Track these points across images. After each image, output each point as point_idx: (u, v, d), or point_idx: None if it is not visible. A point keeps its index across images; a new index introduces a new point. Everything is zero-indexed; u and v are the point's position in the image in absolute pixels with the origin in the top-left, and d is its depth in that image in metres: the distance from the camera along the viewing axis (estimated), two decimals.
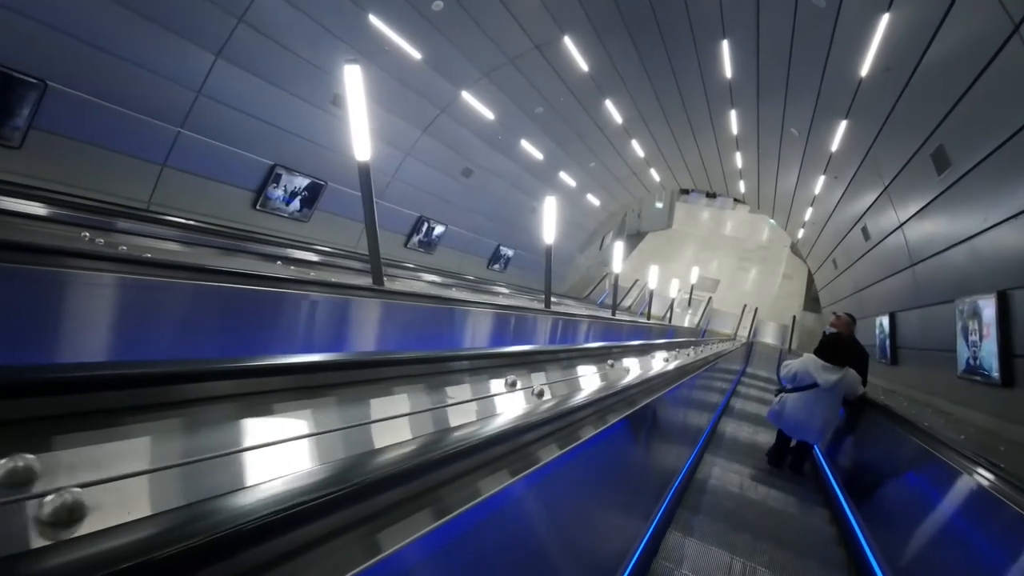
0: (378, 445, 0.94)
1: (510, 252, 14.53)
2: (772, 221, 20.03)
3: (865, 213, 7.92)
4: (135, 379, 0.85)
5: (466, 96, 9.24)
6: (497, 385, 1.78)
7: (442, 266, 11.84)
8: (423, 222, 10.92)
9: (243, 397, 1.02)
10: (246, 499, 0.60)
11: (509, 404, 1.58)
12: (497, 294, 11.47)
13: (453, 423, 1.26)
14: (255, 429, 0.95)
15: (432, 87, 8.70)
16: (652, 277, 12.41)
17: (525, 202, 13.59)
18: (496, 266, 14.43)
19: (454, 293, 7.00)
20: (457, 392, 1.66)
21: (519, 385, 1.71)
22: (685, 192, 31.76)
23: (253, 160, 7.30)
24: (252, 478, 0.75)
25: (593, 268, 21.20)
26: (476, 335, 4.96)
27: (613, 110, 11.27)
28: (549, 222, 6.51)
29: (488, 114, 9.91)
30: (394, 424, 1.19)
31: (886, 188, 6.54)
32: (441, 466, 0.86)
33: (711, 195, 32.28)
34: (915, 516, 2.93)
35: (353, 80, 3.44)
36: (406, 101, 8.61)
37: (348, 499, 0.67)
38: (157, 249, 4.63)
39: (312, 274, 3.88)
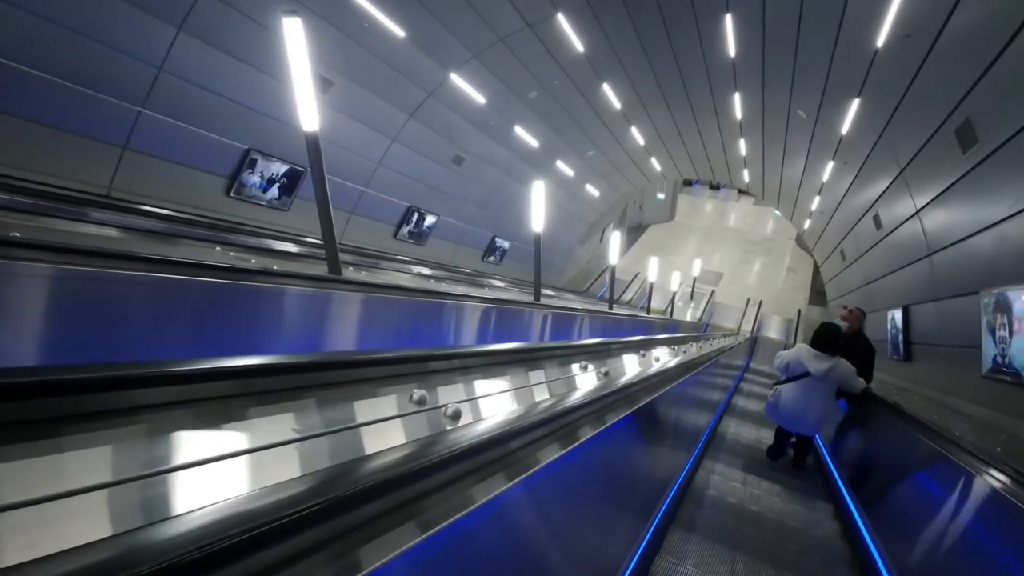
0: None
1: (506, 244, 14.09)
2: (777, 212, 19.52)
3: (877, 200, 7.44)
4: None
5: (455, 79, 8.78)
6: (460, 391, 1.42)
7: (434, 258, 11.42)
8: (413, 212, 10.49)
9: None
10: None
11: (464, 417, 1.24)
12: (489, 287, 11.05)
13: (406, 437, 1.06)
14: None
15: (418, 68, 8.24)
16: (652, 269, 11.97)
17: (521, 192, 13.10)
18: (492, 258, 13.99)
19: (440, 286, 6.57)
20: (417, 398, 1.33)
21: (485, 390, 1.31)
22: (688, 183, 31.27)
23: (225, 144, 6.87)
24: None
25: (593, 262, 20.75)
26: (453, 331, 4.54)
27: (611, 94, 10.78)
28: (538, 209, 6.06)
29: (479, 98, 9.45)
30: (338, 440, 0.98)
31: (902, 171, 6.07)
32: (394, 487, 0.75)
33: (714, 186, 31.81)
34: (935, 530, 2.64)
35: (294, 35, 2.98)
36: (391, 83, 8.15)
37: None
38: (102, 238, 4.21)
39: (253, 261, 3.45)
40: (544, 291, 13.34)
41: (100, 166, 5.84)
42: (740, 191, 30.09)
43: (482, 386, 1.84)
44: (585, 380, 2.73)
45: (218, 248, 3.92)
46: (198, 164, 6.72)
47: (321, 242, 3.49)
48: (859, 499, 3.63)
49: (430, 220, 11.03)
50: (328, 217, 3.34)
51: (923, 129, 5.14)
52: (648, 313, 12.15)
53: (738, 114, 10.41)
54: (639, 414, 2.27)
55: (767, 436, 5.98)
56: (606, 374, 2.28)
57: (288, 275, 3.11)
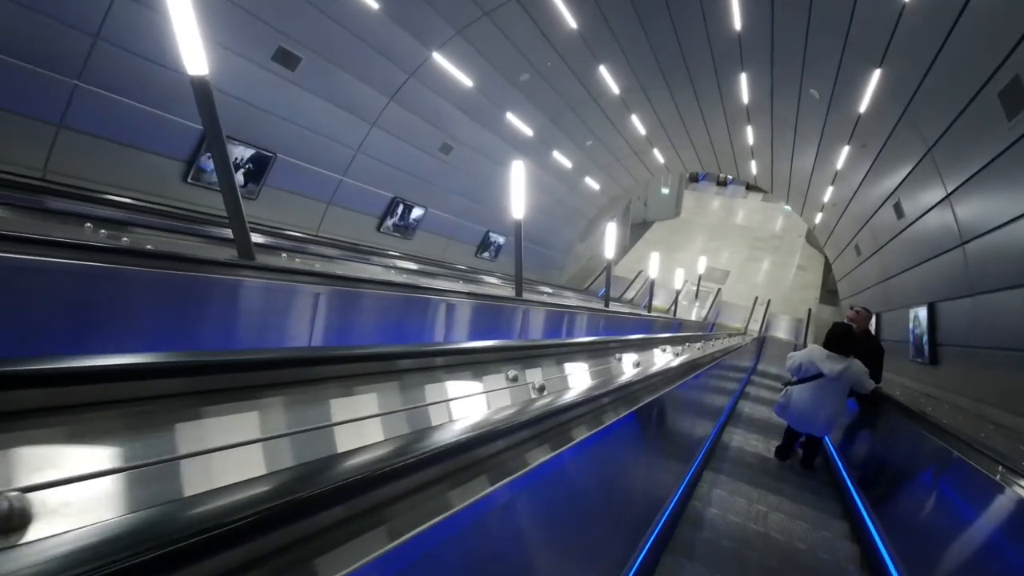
0: None
1: (501, 239, 13.46)
2: (787, 207, 18.77)
3: (899, 186, 6.74)
4: None
5: (438, 58, 8.15)
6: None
7: (423, 253, 10.79)
8: (397, 203, 9.88)
9: None
10: None
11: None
12: (480, 283, 10.42)
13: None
14: None
15: (396, 45, 7.62)
16: (653, 265, 11.30)
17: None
18: (486, 254, 13.37)
19: (401, 277, 5.96)
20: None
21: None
22: (694, 179, 30.52)
23: (180, 124, 6.28)
24: None
25: (595, 259, 20.07)
26: (409, 329, 3.92)
27: (608, 78, 10.11)
28: (517, 192, 5.44)
29: (465, 80, 8.82)
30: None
31: (930, 150, 5.38)
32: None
33: (721, 182, 31.06)
34: (951, 535, 2.51)
35: None
36: (367, 61, 7.54)
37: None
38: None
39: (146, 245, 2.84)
40: (543, 288, 12.77)
41: (31, 146, 5.27)
42: (748, 186, 29.38)
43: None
44: (564, 383, 2.24)
45: (89, 224, 3.31)
46: (149, 146, 6.14)
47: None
48: (868, 499, 3.57)
49: (417, 213, 10.42)
50: (232, 188, 2.72)
51: (958, 96, 4.46)
52: (649, 311, 11.49)
53: (745, 97, 9.71)
54: (628, 423, 2.02)
55: (779, 470, 5.32)
56: (594, 376, 1.78)
57: (178, 258, 2.51)
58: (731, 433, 5.87)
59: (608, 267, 8.56)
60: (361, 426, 1.14)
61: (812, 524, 3.48)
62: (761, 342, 13.51)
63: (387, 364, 1.44)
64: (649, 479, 3.02)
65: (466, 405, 1.52)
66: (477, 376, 1.67)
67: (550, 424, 1.43)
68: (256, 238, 6.55)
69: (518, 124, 10.69)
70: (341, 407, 1.17)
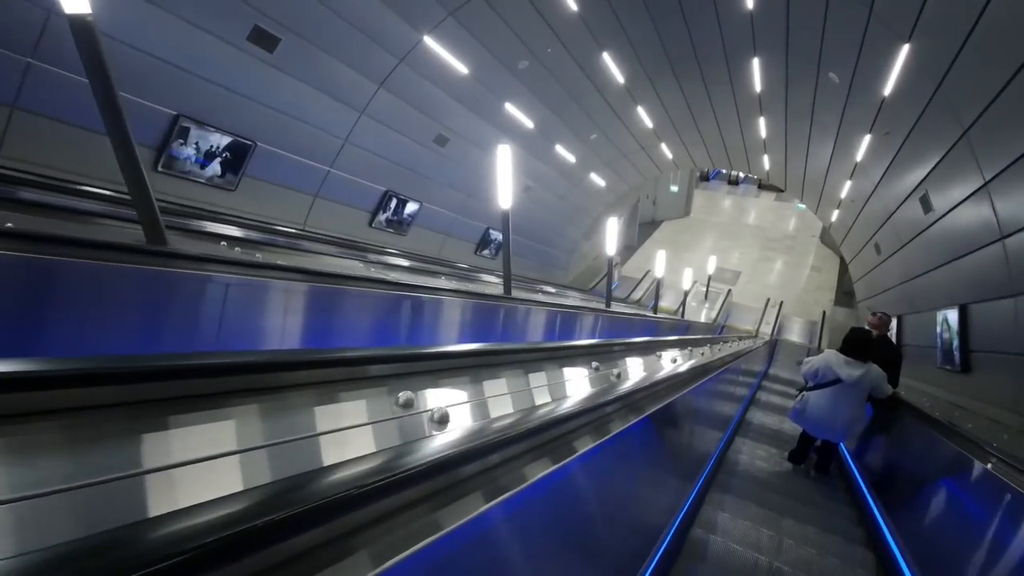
0: None
1: (501, 236, 12.97)
2: (801, 205, 18.14)
3: (927, 177, 6.17)
4: None
5: (430, 42, 7.70)
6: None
7: (418, 250, 10.34)
8: (390, 197, 9.44)
9: None
10: None
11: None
12: (478, 282, 9.95)
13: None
14: None
15: (384, 27, 7.17)
16: (660, 264, 10.79)
17: (516, 179, 11.98)
18: (486, 252, 12.91)
19: (401, 276, 5.49)
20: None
21: None
22: (704, 178, 29.89)
23: (148, 108, 5.87)
24: None
25: (600, 258, 19.54)
26: (370, 330, 3.45)
27: (612, 66, 9.60)
28: (504, 179, 4.97)
29: (460, 67, 8.36)
30: None
31: (965, 133, 4.82)
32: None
33: (733, 181, 30.39)
34: (968, 544, 2.41)
35: None
36: (352, 43, 7.10)
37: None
38: None
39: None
40: (545, 288, 12.25)
41: None
42: (760, 185, 28.73)
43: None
44: (545, 393, 1.94)
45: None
46: None
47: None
48: (884, 505, 3.51)
49: (412, 207, 9.98)
50: (132, 156, 2.26)
51: (1001, 67, 3.91)
52: (656, 312, 10.96)
53: (757, 85, 9.15)
54: (622, 439, 1.76)
55: (792, 475, 4.82)
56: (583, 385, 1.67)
57: (58, 241, 2.06)
58: (740, 445, 5.35)
59: (610, 264, 8.06)
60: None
61: (833, 556, 2.96)
62: (773, 345, 12.93)
63: (311, 374, 1.00)
64: (644, 503, 2.55)
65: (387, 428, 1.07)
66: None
67: (516, 450, 0.99)
68: (231, 230, 6.06)
69: (518, 115, 10.21)
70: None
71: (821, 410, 4.25)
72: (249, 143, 6.86)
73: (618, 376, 2.14)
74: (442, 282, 5.93)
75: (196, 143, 6.38)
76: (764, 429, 6.30)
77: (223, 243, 4.21)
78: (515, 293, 7.53)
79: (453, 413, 1.00)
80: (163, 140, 6.12)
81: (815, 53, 7.09)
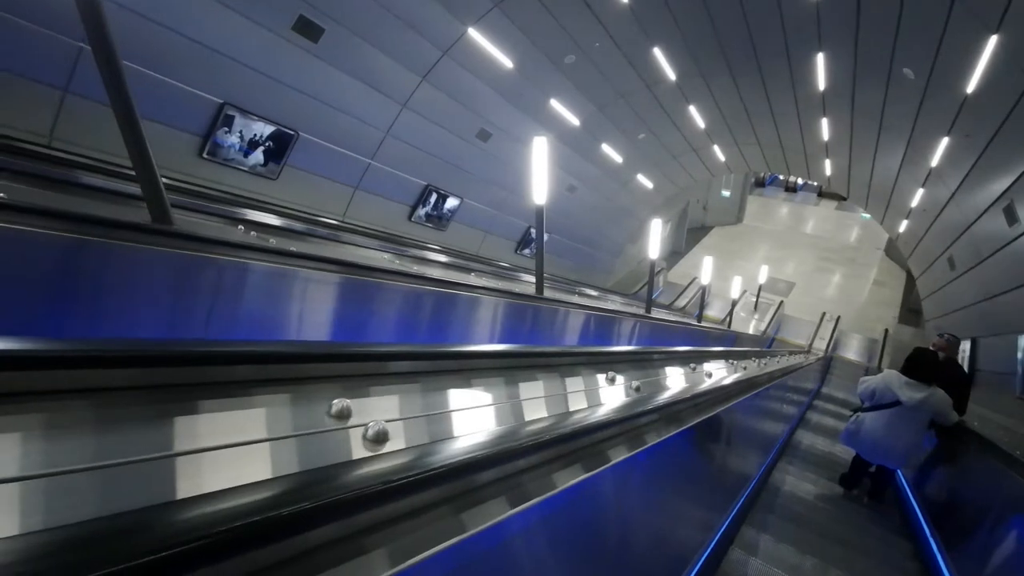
0: None
1: (544, 236, 12.72)
2: (865, 215, 17.05)
3: (1013, 184, 5.54)
4: None
5: (475, 35, 7.56)
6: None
7: (457, 246, 10.24)
8: (430, 192, 9.38)
9: None
10: None
11: None
12: (514, 280, 9.75)
13: None
14: None
15: (428, 18, 7.08)
16: (706, 271, 10.29)
17: (559, 178, 11.73)
18: (527, 251, 12.70)
19: (427, 270, 5.36)
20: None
21: None
22: (760, 184, 28.67)
23: (194, 95, 5.98)
24: None
25: (646, 262, 19.00)
26: (391, 325, 3.29)
27: (664, 62, 9.20)
28: (540, 173, 4.74)
29: (505, 61, 8.19)
30: None
31: None
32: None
33: (790, 188, 29.02)
34: None
35: None
36: (397, 35, 7.04)
37: None
38: None
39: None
40: (587, 291, 11.94)
41: (37, 112, 5.06)
42: (820, 193, 27.31)
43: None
44: (571, 400, 1.79)
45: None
46: (161, 117, 5.85)
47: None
48: (943, 539, 3.30)
49: (452, 203, 9.90)
50: (136, 131, 2.17)
51: None
52: (700, 321, 10.45)
53: (821, 83, 8.53)
54: (647, 458, 1.60)
55: (842, 501, 4.39)
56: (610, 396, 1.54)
57: (56, 216, 1.99)
58: (785, 468, 4.92)
59: (651, 268, 7.68)
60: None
61: None
62: (827, 362, 12.14)
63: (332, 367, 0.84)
64: (672, 524, 2.28)
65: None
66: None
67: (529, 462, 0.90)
68: (269, 219, 6.08)
69: (563, 112, 9.96)
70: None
71: (876, 433, 4.02)
72: (292, 133, 6.92)
73: (639, 388, 1.88)
74: (470, 278, 5.75)
75: (240, 131, 6.47)
76: (813, 453, 5.81)
77: (250, 230, 4.16)
78: (551, 294, 7.29)
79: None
80: (208, 128, 6.22)
81: (888, 46, 6.50)
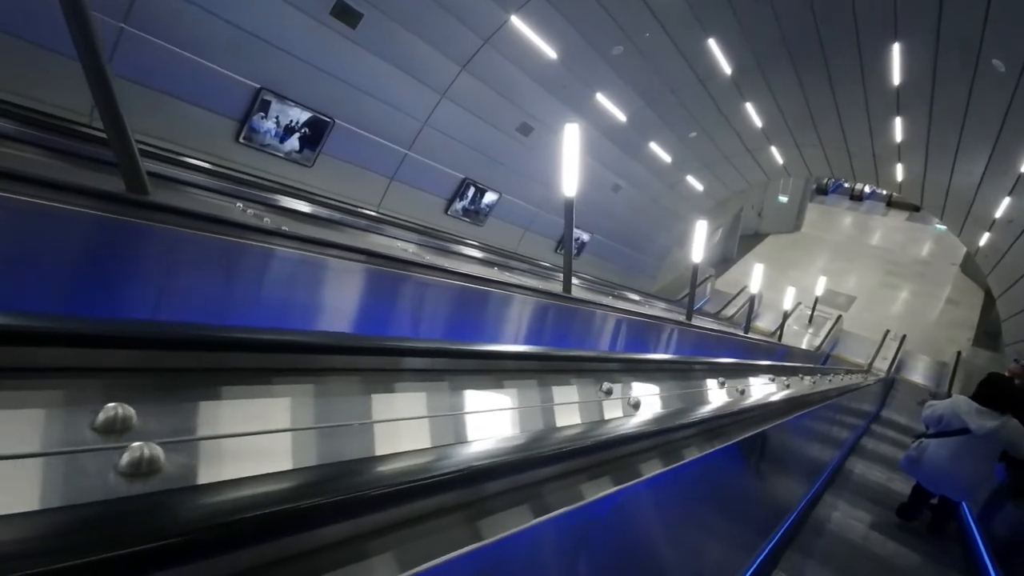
0: None
1: (586, 236, 12.37)
2: (939, 226, 15.74)
3: None
4: None
5: (517, 23, 7.30)
6: None
7: (494, 242, 10.01)
8: (468, 185, 9.19)
9: None
10: None
11: None
12: (552, 280, 9.42)
13: None
14: None
15: (470, 5, 6.88)
16: (756, 279, 9.62)
17: (603, 177, 11.34)
18: None
19: (438, 259, 5.13)
20: None
21: None
22: (822, 192, 27.12)
23: (233, 80, 5.98)
24: None
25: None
26: (394, 319, 3.06)
27: (719, 54, 8.65)
28: (570, 162, 4.43)
29: (548, 51, 7.89)
30: None
31: None
32: None
33: (856, 196, 27.30)
34: None
35: None
36: (436, 22, 6.87)
37: None
38: None
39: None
40: (629, 295, 11.50)
41: (77, 91, 5.13)
42: (890, 202, 25.56)
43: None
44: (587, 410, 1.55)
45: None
46: (199, 100, 5.89)
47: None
48: None
49: (490, 198, 9.67)
50: (109, 95, 2.00)
51: None
52: (747, 332, 9.80)
53: (896, 77, 7.77)
54: (670, 480, 1.42)
55: (898, 532, 3.90)
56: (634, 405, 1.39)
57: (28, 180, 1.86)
58: (831, 505, 4.39)
59: (694, 272, 7.19)
60: None
61: None
62: (888, 384, 11.22)
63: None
64: (695, 556, 1.96)
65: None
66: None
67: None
68: (300, 206, 6.00)
69: (609, 107, 9.55)
70: None
71: (940, 461, 3.82)
72: (328, 120, 6.86)
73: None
74: (500, 274, 5.48)
75: (276, 117, 6.45)
76: (866, 485, 5.22)
77: (247, 208, 4.03)
78: (586, 295, 6.94)
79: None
80: (245, 112, 6.22)
81: (976, 34, 5.78)
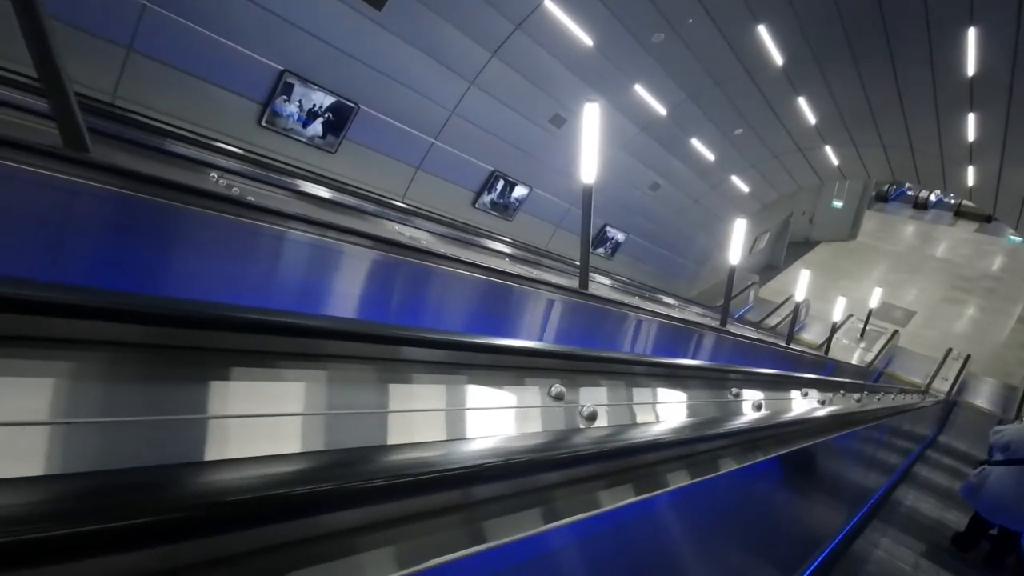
0: None
1: (620, 236, 11.90)
2: (1015, 238, 14.44)
3: None
4: None
5: (551, 7, 6.98)
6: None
7: (523, 238, 9.71)
8: (497, 178, 8.92)
9: None
10: None
11: None
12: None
13: None
14: None
15: None
16: (802, 285, 8.97)
17: (642, 174, 10.86)
18: (600, 250, 11.91)
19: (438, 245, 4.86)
20: None
21: None
22: (882, 199, 25.53)
23: (255, 61, 5.91)
24: None
25: (737, 275, 17.40)
26: (328, 295, 2.80)
27: (770, 43, 8.06)
28: (590, 144, 4.08)
29: (584, 38, 7.53)
30: None
31: None
32: None
33: (920, 205, 25.58)
34: None
35: None
36: (466, 5, 6.63)
37: None
38: None
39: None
40: (665, 299, 10.96)
41: (101, 68, 5.16)
42: (958, 212, 23.82)
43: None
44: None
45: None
46: (222, 81, 5.84)
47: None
48: None
49: (520, 191, 9.38)
50: (45, 42, 1.81)
51: None
52: (788, 343, 9.14)
53: (970, 67, 7.00)
54: (686, 493, 1.21)
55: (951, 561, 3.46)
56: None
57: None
58: (873, 541, 3.87)
59: (730, 274, 6.69)
60: None
61: None
62: (949, 407, 10.29)
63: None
64: None
65: None
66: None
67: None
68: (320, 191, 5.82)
69: (648, 99, 9.09)
70: None
71: (1004, 490, 3.67)
72: (352, 105, 6.72)
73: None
74: (503, 263, 5.17)
75: (299, 101, 6.35)
76: (916, 519, 4.64)
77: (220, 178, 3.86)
78: (611, 296, 6.55)
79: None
80: (268, 95, 6.14)
81: None
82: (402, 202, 7.32)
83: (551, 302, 4.48)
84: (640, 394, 1.58)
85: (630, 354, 3.92)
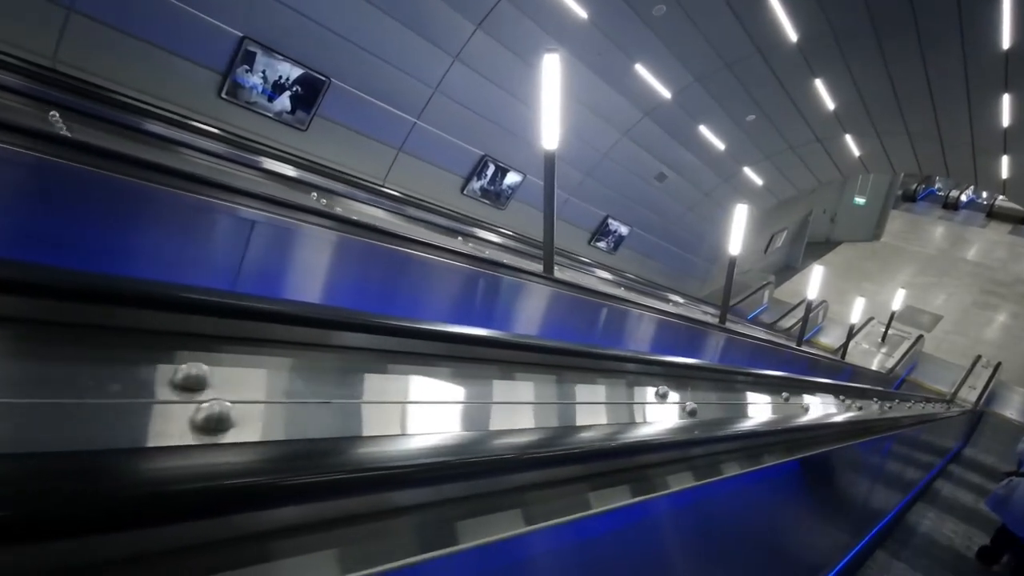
0: None
1: (623, 229, 11.31)
2: None
3: None
4: None
5: None
6: None
7: (516, 227, 9.19)
8: (487, 163, 8.42)
9: None
10: None
11: None
12: (590, 273, 8.49)
13: None
14: None
15: None
16: (815, 282, 8.30)
17: (646, 163, 10.25)
18: (601, 244, 11.34)
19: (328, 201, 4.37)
20: None
21: None
22: (910, 199, 24.38)
23: (214, 26, 5.47)
24: None
25: (752, 274, 16.64)
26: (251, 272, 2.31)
27: (784, 18, 7.41)
28: (550, 99, 3.58)
29: (578, 10, 6.99)
30: None
31: None
32: None
33: (951, 204, 24.38)
34: None
35: None
36: None
37: None
38: None
39: None
40: (672, 297, 10.32)
41: (38, 29, 4.77)
42: (991, 213, 22.63)
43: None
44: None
45: None
46: (177, 48, 5.41)
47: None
48: None
49: (513, 178, 8.86)
50: None
51: None
52: (799, 344, 8.47)
53: (1005, 40, 6.27)
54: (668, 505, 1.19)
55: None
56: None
57: None
58: (888, 563, 3.27)
59: (731, 265, 6.09)
60: None
61: None
62: (976, 418, 9.58)
63: None
64: None
65: None
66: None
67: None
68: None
69: (651, 81, 8.49)
70: None
71: None
72: (323, 79, 6.27)
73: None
74: (454, 242, 4.67)
75: (263, 72, 5.91)
76: (935, 542, 4.02)
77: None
78: (620, 293, 6.03)
79: None
80: (228, 64, 5.71)
81: None
82: (383, 186, 6.86)
83: (519, 287, 3.98)
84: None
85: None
